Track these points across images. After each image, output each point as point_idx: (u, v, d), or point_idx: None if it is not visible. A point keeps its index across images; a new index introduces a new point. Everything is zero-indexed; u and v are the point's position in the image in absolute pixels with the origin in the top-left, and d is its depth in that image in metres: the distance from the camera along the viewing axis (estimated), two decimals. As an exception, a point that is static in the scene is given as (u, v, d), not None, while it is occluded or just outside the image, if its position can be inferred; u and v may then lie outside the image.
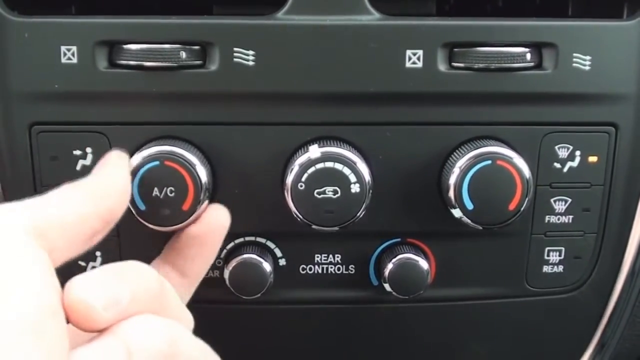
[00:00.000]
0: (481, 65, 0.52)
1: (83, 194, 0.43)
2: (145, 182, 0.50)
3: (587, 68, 0.52)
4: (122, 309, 0.38)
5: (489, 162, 0.51)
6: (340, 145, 0.51)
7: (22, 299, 0.34)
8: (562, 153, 0.54)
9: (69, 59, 0.51)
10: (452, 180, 0.51)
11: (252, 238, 0.56)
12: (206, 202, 0.51)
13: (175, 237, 0.52)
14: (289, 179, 0.51)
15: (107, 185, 0.44)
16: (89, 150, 0.53)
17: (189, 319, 0.45)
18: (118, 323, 0.37)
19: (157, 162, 0.50)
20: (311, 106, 0.52)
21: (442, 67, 0.52)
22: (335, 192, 0.51)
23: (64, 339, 0.35)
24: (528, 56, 0.52)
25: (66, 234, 0.40)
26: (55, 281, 0.37)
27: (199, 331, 0.58)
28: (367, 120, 0.53)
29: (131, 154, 0.51)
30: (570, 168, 0.55)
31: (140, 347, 0.37)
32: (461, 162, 0.51)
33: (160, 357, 0.38)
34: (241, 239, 0.56)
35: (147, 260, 0.55)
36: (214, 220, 0.52)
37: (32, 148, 0.53)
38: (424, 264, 0.55)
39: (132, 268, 0.40)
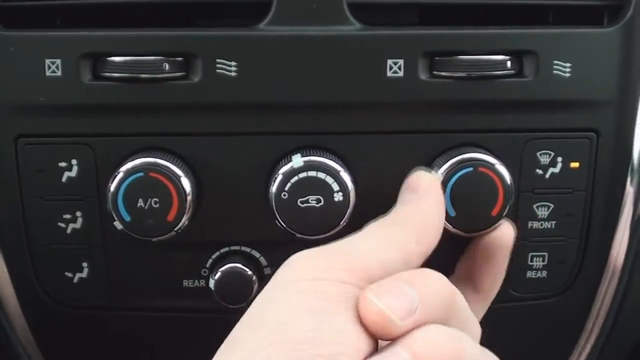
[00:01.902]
0: (462, 74, 0.52)
1: (407, 238, 0.44)
2: (130, 193, 0.50)
3: (568, 75, 0.53)
4: (416, 317, 0.38)
5: (471, 168, 0.52)
6: (323, 155, 0.52)
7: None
8: (544, 159, 0.55)
9: (54, 72, 0.51)
10: (434, 187, 0.52)
11: (237, 247, 0.56)
12: (190, 211, 0.51)
13: (465, 254, 0.54)
14: (273, 188, 0.51)
15: (429, 224, 0.46)
16: (74, 162, 0.53)
17: (477, 330, 0.46)
18: (409, 333, 0.38)
19: (141, 173, 0.50)
20: (294, 116, 0.53)
21: (423, 75, 0.52)
22: (318, 200, 0.51)
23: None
24: (509, 64, 0.52)
25: (387, 275, 0.41)
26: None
27: (185, 341, 0.59)
28: (350, 130, 0.53)
29: (116, 166, 0.51)
30: (552, 174, 0.55)
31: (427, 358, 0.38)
32: (443, 169, 0.52)
33: None
34: (226, 249, 0.56)
35: (138, 270, 0.56)
36: (503, 235, 0.53)
37: (18, 160, 0.53)
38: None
39: (423, 276, 0.41)
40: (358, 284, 0.40)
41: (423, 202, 0.48)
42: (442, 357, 0.38)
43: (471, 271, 0.54)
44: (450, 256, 0.55)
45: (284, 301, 0.39)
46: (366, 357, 0.37)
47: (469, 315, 0.44)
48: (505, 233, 0.53)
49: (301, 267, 0.41)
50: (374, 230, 0.45)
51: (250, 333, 0.38)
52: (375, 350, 0.39)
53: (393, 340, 0.38)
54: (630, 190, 0.56)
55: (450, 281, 0.53)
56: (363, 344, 0.38)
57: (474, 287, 0.53)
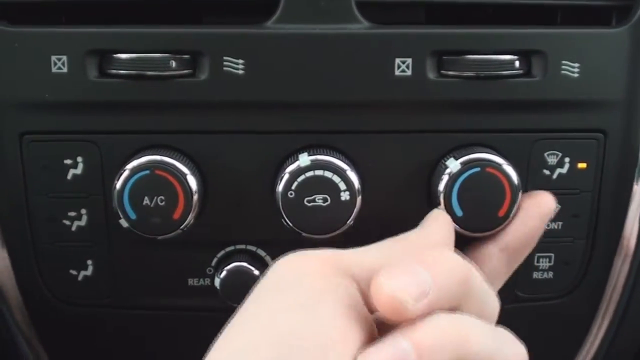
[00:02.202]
0: (470, 73, 0.52)
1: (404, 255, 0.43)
2: (135, 191, 0.50)
3: (576, 75, 0.52)
4: (429, 298, 0.37)
5: (478, 169, 0.51)
6: (330, 153, 0.52)
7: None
8: (552, 160, 0.55)
9: (59, 68, 0.51)
10: (442, 187, 0.52)
11: (243, 246, 0.56)
12: (196, 210, 0.51)
13: None
14: (279, 187, 0.51)
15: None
16: (79, 159, 0.53)
17: (494, 307, 0.44)
18: (412, 322, 0.37)
19: (147, 171, 0.50)
20: (301, 114, 0.53)
21: (431, 75, 0.52)
22: (325, 200, 0.51)
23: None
24: (517, 64, 0.52)
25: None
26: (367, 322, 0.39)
27: (189, 340, 0.59)
28: (357, 129, 0.53)
29: (122, 163, 0.51)
30: (560, 174, 0.55)
31: (429, 350, 0.37)
32: (450, 169, 0.52)
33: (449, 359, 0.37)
34: (232, 247, 0.56)
35: (143, 269, 0.56)
36: (541, 199, 0.53)
37: (23, 157, 0.53)
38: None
39: (437, 256, 0.40)
40: (343, 278, 0.40)
41: (428, 225, 0.49)
42: (447, 348, 0.37)
43: (503, 232, 0.53)
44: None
45: (270, 299, 0.39)
46: (360, 347, 0.37)
47: (487, 294, 0.43)
48: (546, 201, 0.53)
49: (286, 267, 0.41)
50: (371, 245, 0.45)
51: (238, 331, 0.38)
52: (371, 340, 0.38)
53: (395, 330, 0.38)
54: (637, 191, 0.56)
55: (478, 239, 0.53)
56: (353, 334, 0.37)
57: (501, 246, 0.52)
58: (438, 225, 0.49)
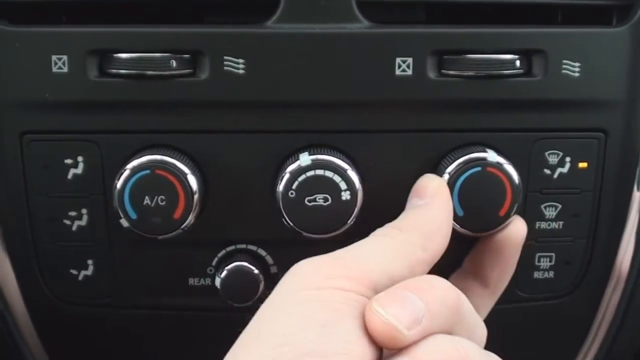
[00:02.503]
0: (471, 73, 0.52)
1: (413, 246, 0.45)
2: (136, 190, 0.50)
3: (577, 75, 0.52)
4: (423, 326, 0.38)
5: (479, 168, 0.51)
6: (331, 153, 0.52)
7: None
8: (552, 159, 0.55)
9: (60, 68, 0.51)
10: (443, 186, 0.52)
11: (244, 246, 0.56)
12: (197, 209, 0.51)
13: (475, 247, 0.54)
14: (280, 186, 0.51)
15: (435, 231, 0.46)
16: (80, 159, 0.53)
17: (482, 333, 0.46)
18: (415, 343, 0.38)
19: (148, 171, 0.50)
20: (301, 114, 0.52)
21: (431, 74, 0.52)
22: (326, 199, 0.51)
23: None
24: (517, 63, 0.52)
25: (392, 283, 0.42)
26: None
27: (190, 339, 0.59)
28: (358, 128, 0.53)
29: (122, 163, 0.51)
30: (561, 174, 0.55)
31: None
32: (451, 169, 0.52)
33: None
34: (232, 247, 0.56)
35: (143, 268, 0.56)
36: (513, 228, 0.53)
37: (23, 157, 0.53)
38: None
39: (429, 283, 0.41)
40: (361, 292, 0.40)
41: (429, 207, 0.48)
42: None
43: (480, 265, 0.53)
44: (457, 255, 0.55)
45: (287, 312, 0.39)
46: None
47: (475, 319, 0.44)
48: (517, 228, 0.53)
49: (303, 276, 0.41)
50: (379, 238, 0.46)
51: (253, 344, 0.38)
52: (380, 358, 0.39)
53: (400, 350, 0.38)
54: (637, 191, 0.56)
55: (458, 275, 0.54)
56: (368, 353, 0.37)
57: (482, 281, 0.53)
58: (442, 207, 0.49)
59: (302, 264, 0.42)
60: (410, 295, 0.39)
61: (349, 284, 0.40)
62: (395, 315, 0.38)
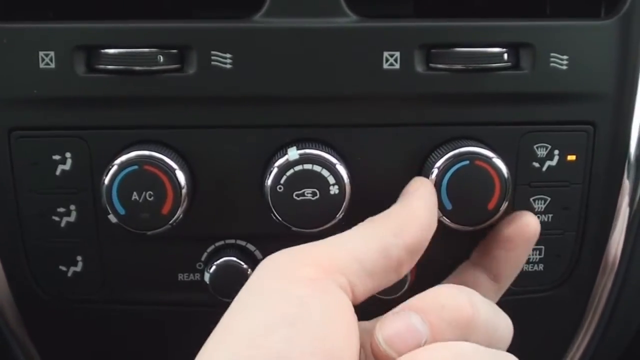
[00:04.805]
0: (459, 66, 0.52)
1: (384, 231, 0.44)
2: (124, 186, 0.50)
3: (565, 67, 0.52)
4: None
5: (467, 162, 0.51)
6: (319, 147, 0.52)
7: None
8: (541, 152, 0.55)
9: (47, 64, 0.51)
10: (431, 180, 0.52)
11: (233, 241, 0.56)
12: (185, 205, 0.51)
13: (484, 240, 0.54)
14: (268, 181, 0.51)
15: (410, 217, 0.46)
16: (68, 155, 0.53)
17: (504, 327, 0.45)
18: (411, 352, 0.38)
19: (136, 167, 0.50)
20: (289, 108, 0.52)
21: (419, 68, 0.52)
22: (314, 194, 0.51)
23: None
24: (505, 56, 0.52)
25: (367, 269, 0.42)
26: (355, 327, 0.40)
27: (179, 334, 0.59)
28: (346, 122, 0.53)
29: (111, 159, 0.51)
30: (549, 167, 0.55)
31: None
32: (439, 163, 0.52)
33: None
34: (221, 242, 0.56)
35: (132, 264, 0.56)
36: (524, 223, 0.52)
37: (11, 153, 0.53)
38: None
39: (438, 303, 0.40)
40: (330, 277, 0.40)
41: (407, 201, 0.48)
42: None
43: (490, 258, 0.53)
44: (461, 248, 0.55)
45: (255, 308, 0.39)
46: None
47: (495, 323, 0.43)
48: (531, 224, 0.52)
49: (270, 269, 0.41)
50: (353, 228, 0.45)
51: (220, 343, 0.38)
52: (359, 348, 0.39)
53: None
54: (626, 183, 0.56)
55: (466, 267, 0.54)
56: (337, 347, 0.37)
57: (490, 274, 0.53)
58: (421, 197, 0.48)
59: (270, 257, 0.42)
60: (415, 317, 0.39)
61: (315, 271, 0.40)
62: (391, 342, 0.38)
